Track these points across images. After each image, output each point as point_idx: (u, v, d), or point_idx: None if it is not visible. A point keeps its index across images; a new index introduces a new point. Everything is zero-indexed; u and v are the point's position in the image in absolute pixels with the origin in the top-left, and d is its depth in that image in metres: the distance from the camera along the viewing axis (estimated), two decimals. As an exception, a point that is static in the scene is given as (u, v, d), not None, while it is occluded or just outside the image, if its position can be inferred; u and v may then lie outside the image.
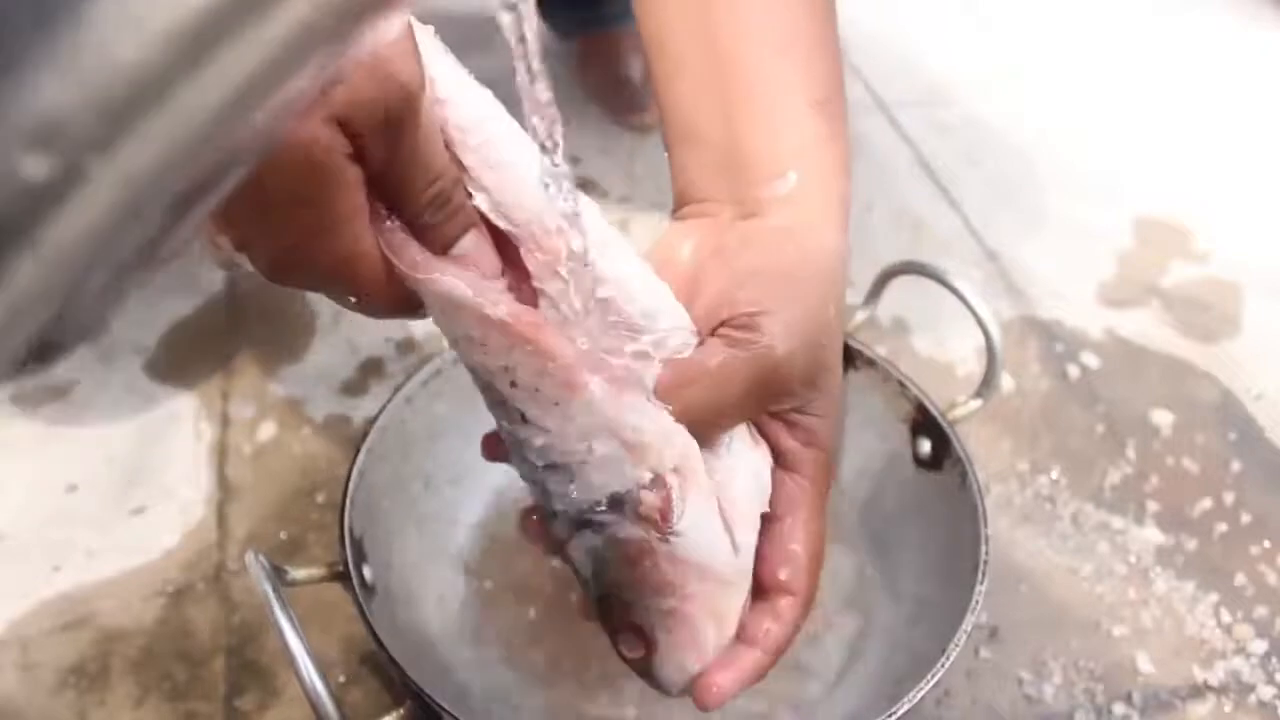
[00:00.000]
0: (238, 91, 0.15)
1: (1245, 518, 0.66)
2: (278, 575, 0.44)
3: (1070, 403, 0.73)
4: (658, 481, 0.38)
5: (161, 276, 0.80)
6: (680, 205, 0.44)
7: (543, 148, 0.32)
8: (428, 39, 0.31)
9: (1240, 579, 0.63)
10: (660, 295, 0.39)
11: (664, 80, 0.47)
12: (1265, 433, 0.72)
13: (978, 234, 0.87)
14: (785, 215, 0.42)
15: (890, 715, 0.43)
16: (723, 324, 0.39)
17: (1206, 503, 0.67)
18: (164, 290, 0.80)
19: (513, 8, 0.27)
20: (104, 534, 0.65)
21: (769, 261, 0.40)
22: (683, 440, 0.38)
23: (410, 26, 0.30)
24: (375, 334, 0.76)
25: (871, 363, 0.58)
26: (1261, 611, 0.61)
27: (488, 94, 0.35)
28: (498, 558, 0.59)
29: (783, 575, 0.41)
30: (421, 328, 0.76)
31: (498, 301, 0.35)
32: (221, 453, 0.69)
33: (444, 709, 0.43)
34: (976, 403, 0.57)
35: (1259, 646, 0.59)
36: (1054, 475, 0.68)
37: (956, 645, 0.45)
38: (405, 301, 0.34)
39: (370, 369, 0.75)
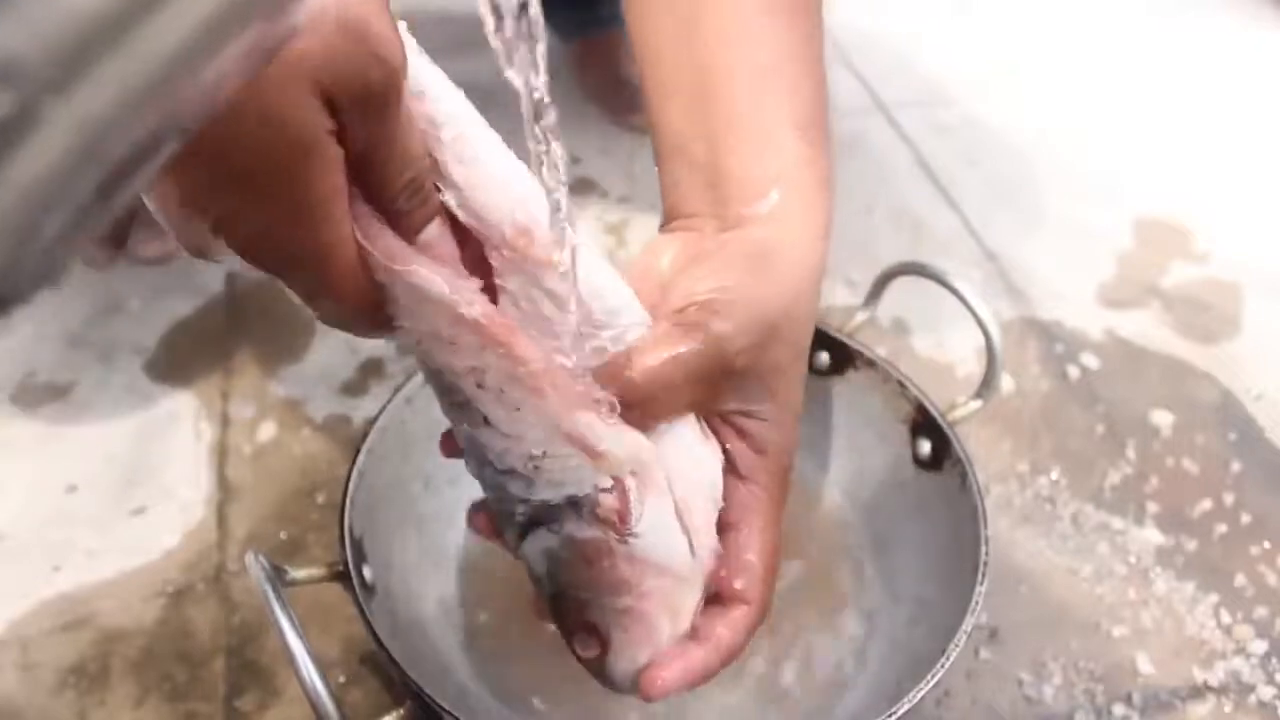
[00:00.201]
0: (193, 37, 0.15)
1: (1245, 518, 0.66)
2: (278, 575, 0.44)
3: (1070, 403, 0.73)
4: (616, 484, 0.38)
5: (161, 276, 0.80)
6: (668, 220, 0.46)
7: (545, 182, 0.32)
8: (402, 34, 0.32)
9: (1240, 580, 0.63)
10: (622, 293, 0.39)
11: (655, 100, 0.48)
12: (1265, 433, 0.72)
13: (977, 234, 0.88)
14: (765, 230, 0.43)
15: (890, 716, 0.43)
16: (679, 311, 0.40)
17: (1206, 503, 0.67)
18: (164, 290, 0.80)
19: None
20: (104, 534, 0.65)
21: (736, 262, 0.41)
22: (639, 443, 0.38)
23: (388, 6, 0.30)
24: (375, 334, 0.76)
25: (871, 363, 0.58)
26: (1261, 612, 0.61)
27: (460, 93, 0.35)
28: (498, 558, 0.59)
29: (738, 584, 0.41)
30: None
31: (472, 301, 0.35)
32: (221, 453, 0.69)
33: (444, 709, 0.43)
34: (976, 403, 0.57)
35: (1259, 647, 0.59)
36: (1054, 476, 0.68)
37: (956, 646, 0.45)
38: (372, 306, 0.34)
39: (370, 369, 0.75)
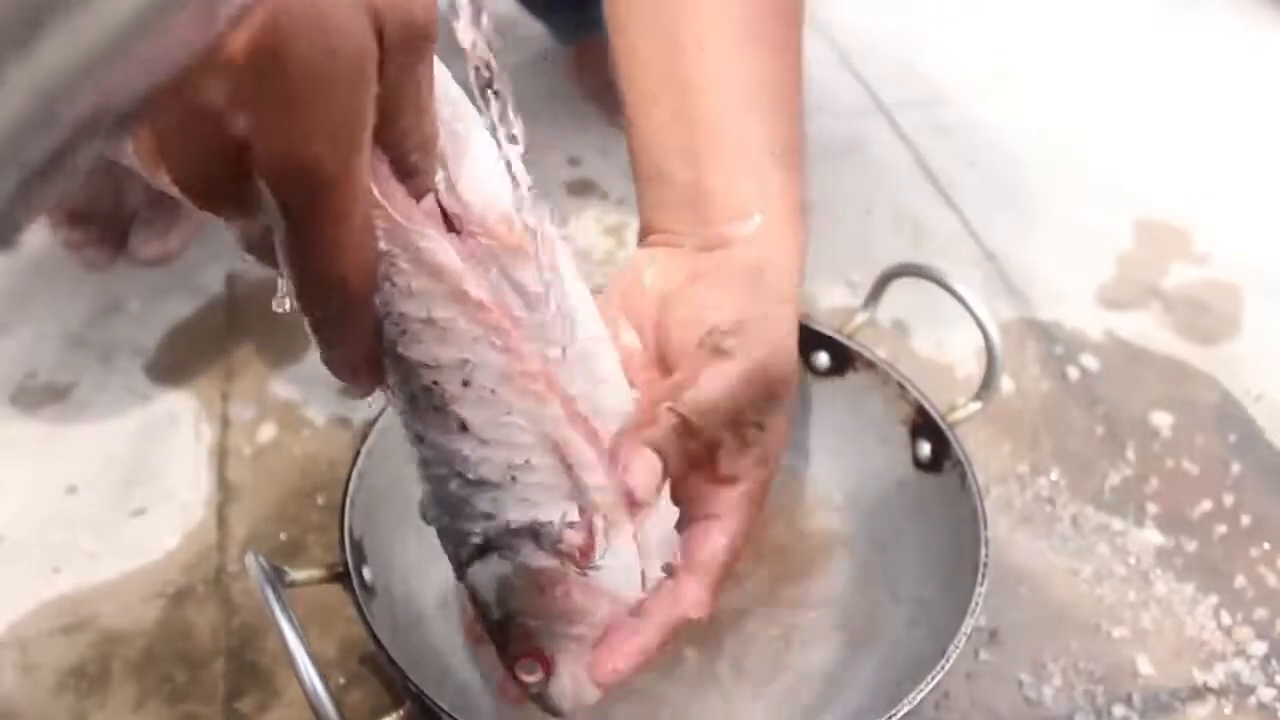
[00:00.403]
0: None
1: (1245, 519, 0.66)
2: (278, 577, 0.44)
3: (1070, 404, 0.73)
4: (583, 519, 0.38)
5: (161, 277, 0.80)
6: (646, 234, 0.46)
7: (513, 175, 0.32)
8: None
9: (1240, 581, 0.63)
10: (586, 306, 0.39)
11: (635, 115, 0.49)
12: (1265, 434, 0.72)
13: (977, 235, 0.88)
14: (752, 250, 0.45)
15: (890, 717, 0.43)
16: (702, 340, 0.42)
17: (1206, 504, 0.67)
18: (164, 291, 0.81)
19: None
20: (104, 536, 0.65)
21: (740, 283, 0.43)
22: (609, 473, 0.38)
23: None
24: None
25: (871, 365, 0.58)
26: (1261, 613, 0.61)
27: (454, 84, 0.35)
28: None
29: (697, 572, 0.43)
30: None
31: (480, 283, 0.34)
32: (221, 454, 0.69)
33: (444, 710, 0.43)
34: (976, 405, 0.57)
35: (1259, 648, 0.59)
36: (1054, 477, 0.68)
37: (956, 647, 0.45)
38: (371, 280, 0.32)
39: (370, 370, 0.75)
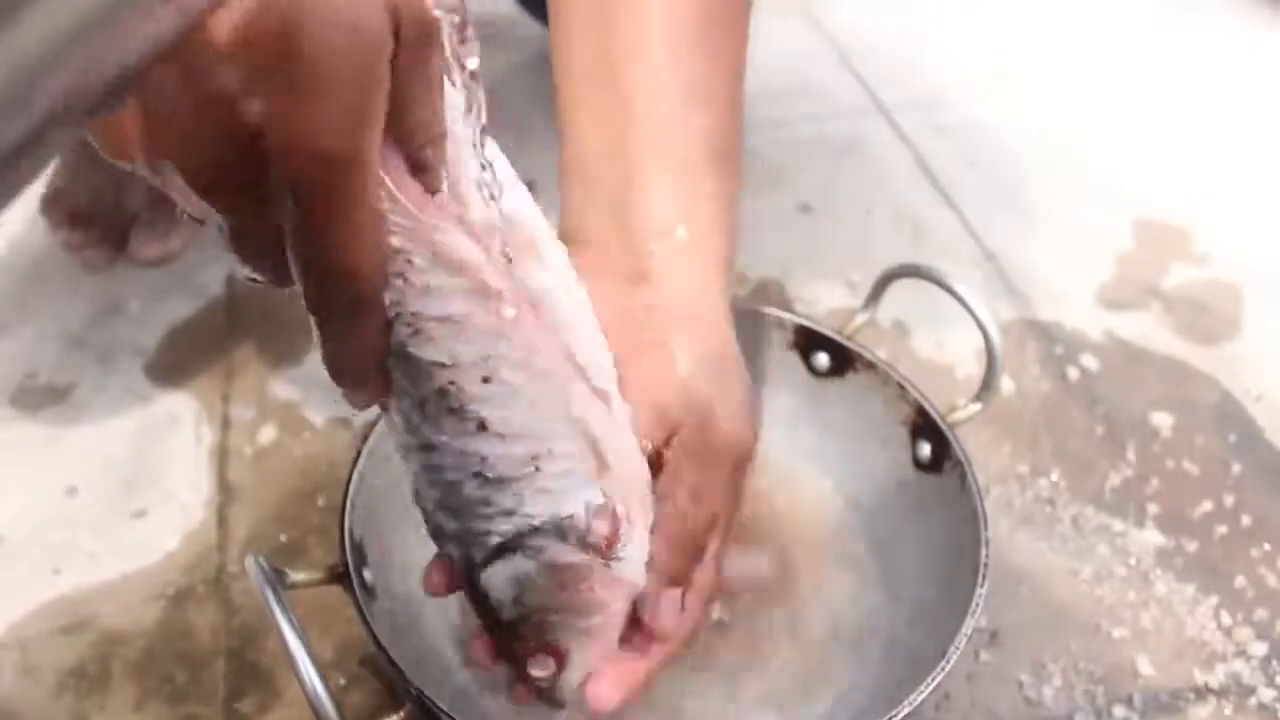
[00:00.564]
0: None
1: (1245, 520, 0.66)
2: (278, 578, 0.44)
3: (1070, 405, 0.73)
4: (605, 507, 0.38)
5: (161, 278, 0.80)
6: (567, 240, 0.45)
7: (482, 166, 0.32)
8: None
9: (1240, 581, 0.63)
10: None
11: (565, 106, 0.49)
12: (1265, 434, 0.72)
13: (977, 235, 0.88)
14: (671, 285, 0.45)
15: (890, 718, 0.43)
16: (675, 434, 0.42)
17: (1207, 505, 0.67)
18: (164, 292, 0.80)
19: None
20: (104, 537, 0.65)
21: (693, 359, 0.43)
22: (635, 459, 0.38)
23: None
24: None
25: (871, 365, 0.58)
26: (1262, 614, 0.61)
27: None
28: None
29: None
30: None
31: (501, 276, 0.34)
32: (222, 455, 0.69)
33: (444, 711, 0.43)
34: (976, 405, 0.57)
35: (1259, 649, 0.59)
36: (1054, 477, 0.68)
37: (957, 648, 0.45)
38: (380, 274, 0.32)
39: (370, 371, 0.75)
